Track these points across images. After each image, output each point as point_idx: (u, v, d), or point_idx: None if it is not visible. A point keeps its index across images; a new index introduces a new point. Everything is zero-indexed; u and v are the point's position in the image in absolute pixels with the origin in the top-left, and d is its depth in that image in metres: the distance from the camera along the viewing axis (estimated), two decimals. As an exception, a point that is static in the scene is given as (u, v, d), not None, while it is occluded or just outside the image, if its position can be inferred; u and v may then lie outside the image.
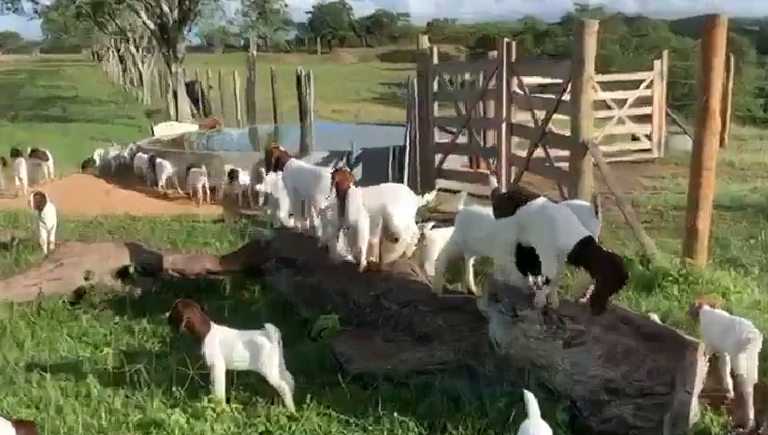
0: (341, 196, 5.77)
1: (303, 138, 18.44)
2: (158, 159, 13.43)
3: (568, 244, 4.01)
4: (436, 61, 12.01)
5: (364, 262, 5.83)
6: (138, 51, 36.54)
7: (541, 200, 4.17)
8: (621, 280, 4.03)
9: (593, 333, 4.17)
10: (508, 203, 4.30)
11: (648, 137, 15.00)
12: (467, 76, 14.96)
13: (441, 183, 11.94)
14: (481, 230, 4.88)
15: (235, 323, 5.44)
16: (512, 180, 10.46)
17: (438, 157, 12.08)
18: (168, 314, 5.00)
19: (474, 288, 5.32)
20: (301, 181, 6.64)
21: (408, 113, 12.86)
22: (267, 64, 29.53)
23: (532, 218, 4.12)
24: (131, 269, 7.12)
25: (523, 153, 10.38)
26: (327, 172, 6.35)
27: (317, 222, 6.62)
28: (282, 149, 7.06)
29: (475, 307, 4.79)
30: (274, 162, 6.86)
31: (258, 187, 9.62)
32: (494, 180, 5.23)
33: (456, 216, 5.24)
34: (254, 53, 23.21)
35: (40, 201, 8.90)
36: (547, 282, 4.18)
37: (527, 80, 10.78)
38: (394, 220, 5.52)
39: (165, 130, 18.70)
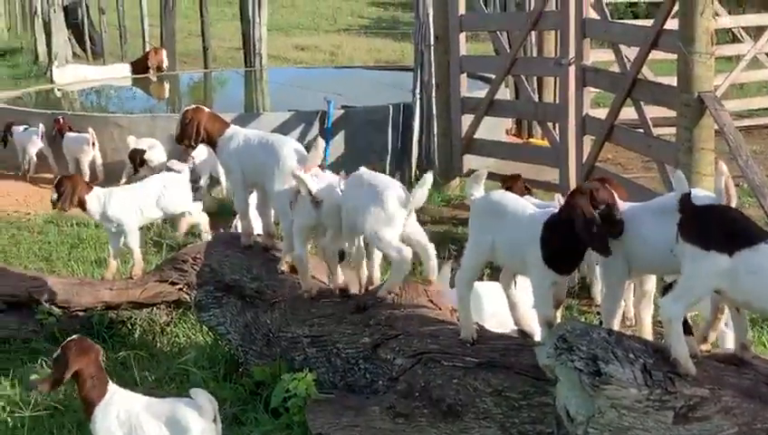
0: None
1: (250, 92, 18.48)
2: (17, 127, 13.61)
3: None
4: (463, -33, 12.04)
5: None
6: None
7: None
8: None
9: (722, 400, 4.17)
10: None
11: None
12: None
13: (471, 161, 11.98)
14: (514, 229, 4.90)
15: (148, 387, 5.44)
16: (584, 160, 10.47)
17: (467, 120, 12.10)
18: (54, 355, 5.07)
19: (529, 328, 5.31)
20: (249, 160, 6.62)
21: (418, 51, 12.87)
22: (193, -25, 29.68)
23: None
24: (-16, 303, 7.12)
25: (602, 114, 10.38)
26: (291, 144, 6.35)
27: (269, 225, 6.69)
28: (207, 110, 7.03)
29: (533, 360, 4.77)
30: (198, 132, 6.81)
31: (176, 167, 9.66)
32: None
33: (472, 206, 5.25)
34: (173, -46, 23.16)
35: None
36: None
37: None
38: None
39: (67, 76, 18.80)
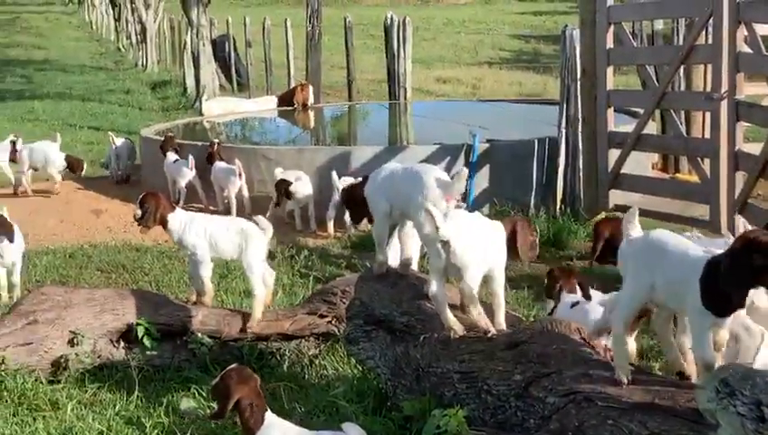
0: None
1: (395, 124, 18.59)
2: (171, 156, 14.01)
3: None
4: (611, 0, 11.95)
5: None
6: (140, -10, 37.65)
7: None
8: None
9: None
10: None
11: None
12: (660, 25, 14.79)
13: (617, 196, 11.85)
14: (675, 269, 4.81)
15: (297, 418, 5.50)
16: (736, 196, 10.26)
17: (613, 155, 11.98)
18: (213, 383, 5.22)
19: (687, 369, 5.21)
20: (394, 190, 6.67)
21: (564, 85, 12.80)
22: (337, 10, 30.06)
23: None
24: (140, 330, 7.30)
25: (757, 149, 10.18)
26: (435, 173, 6.38)
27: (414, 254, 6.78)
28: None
29: (689, 402, 4.68)
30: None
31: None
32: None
33: (628, 244, 5.17)
34: (319, -9, 23.49)
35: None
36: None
37: (763, 29, 10.59)
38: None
39: (216, 108, 19.38)
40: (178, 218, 7.83)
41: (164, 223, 7.83)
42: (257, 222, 7.67)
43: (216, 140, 14.02)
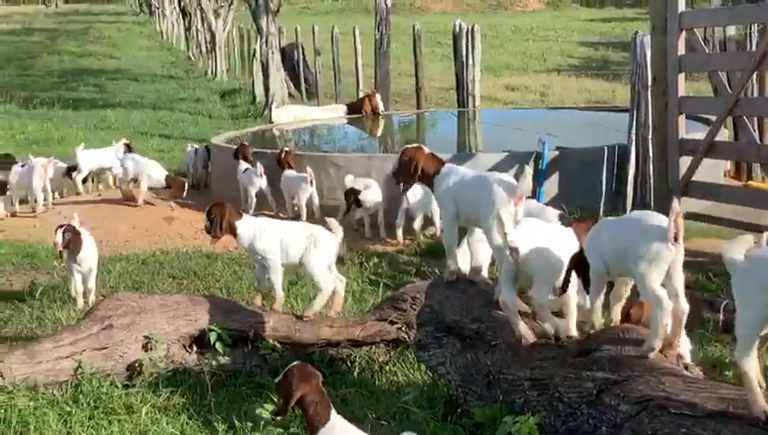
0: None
1: (463, 131, 18.58)
2: (243, 164, 14.13)
3: None
4: (682, 6, 11.85)
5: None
6: (210, -1, 38.02)
7: None
8: None
9: None
10: None
11: None
12: (732, 31, 14.65)
13: (688, 204, 11.75)
14: None
15: (368, 424, 5.53)
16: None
17: (684, 162, 11.88)
18: (276, 380, 5.29)
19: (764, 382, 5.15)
20: (464, 197, 6.68)
21: (635, 92, 12.73)
22: (405, 18, 30.13)
23: None
24: (213, 336, 7.41)
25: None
26: (504, 179, 6.38)
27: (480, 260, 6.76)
28: (426, 149, 7.15)
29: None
30: (416, 170, 6.93)
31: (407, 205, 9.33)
32: None
33: (745, 265, 5.02)
34: (388, -1, 23.53)
35: (72, 240, 9.42)
36: None
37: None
38: None
39: (286, 116, 19.57)
40: (247, 225, 7.90)
41: (233, 231, 7.89)
42: (328, 223, 7.73)
43: (286, 148, 14.12)
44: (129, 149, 15.59)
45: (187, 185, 14.97)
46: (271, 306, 7.91)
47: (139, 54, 51.50)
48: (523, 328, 6.03)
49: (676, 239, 5.31)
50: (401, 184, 7.20)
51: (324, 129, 19.08)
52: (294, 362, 5.36)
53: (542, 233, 6.02)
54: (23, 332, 8.89)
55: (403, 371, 7.40)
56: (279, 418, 5.34)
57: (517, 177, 6.33)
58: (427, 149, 7.06)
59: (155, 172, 14.72)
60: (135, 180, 14.94)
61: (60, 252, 9.68)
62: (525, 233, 5.88)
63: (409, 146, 7.10)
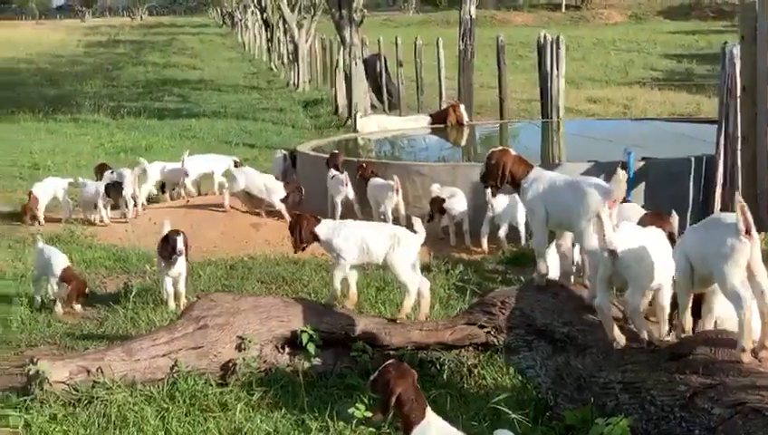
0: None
1: (547, 142, 18.53)
2: (332, 172, 14.16)
3: None
4: (774, 16, 11.78)
5: None
6: (293, 11, 38.22)
7: None
8: None
9: None
10: None
11: None
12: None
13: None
14: None
15: (459, 424, 5.60)
16: None
17: (774, 175, 11.81)
18: (371, 378, 5.41)
19: None
20: (555, 201, 6.74)
21: (723, 103, 12.63)
22: (485, 30, 30.14)
23: None
24: (305, 337, 7.53)
25: None
26: (597, 183, 6.42)
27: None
28: (513, 153, 7.22)
29: None
30: (504, 173, 7.01)
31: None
32: None
33: None
34: (473, 10, 23.50)
35: (176, 245, 9.61)
36: None
37: None
38: None
39: (370, 126, 19.74)
40: (326, 226, 8.04)
41: (316, 237, 8.04)
42: (414, 223, 7.81)
43: (363, 160, 14.10)
44: (236, 166, 15.76)
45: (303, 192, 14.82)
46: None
47: (222, 65, 52.17)
48: (616, 332, 6.06)
49: (748, 232, 5.34)
50: (489, 187, 7.29)
51: (409, 138, 19.12)
52: (390, 361, 5.45)
53: (640, 237, 6.04)
54: (118, 331, 9.14)
55: (492, 374, 7.43)
56: (380, 416, 5.38)
57: (610, 181, 6.38)
58: (514, 153, 7.14)
59: (273, 186, 14.68)
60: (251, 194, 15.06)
61: (164, 256, 9.80)
62: (624, 236, 5.91)
63: (496, 149, 7.19)
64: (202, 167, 16.25)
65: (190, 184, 15.99)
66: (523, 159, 7.15)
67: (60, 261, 10.13)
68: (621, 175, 6.30)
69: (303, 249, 8.22)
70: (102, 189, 14.37)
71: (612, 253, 5.84)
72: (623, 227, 6.07)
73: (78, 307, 9.99)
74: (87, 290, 10.22)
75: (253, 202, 14.98)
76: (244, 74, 46.79)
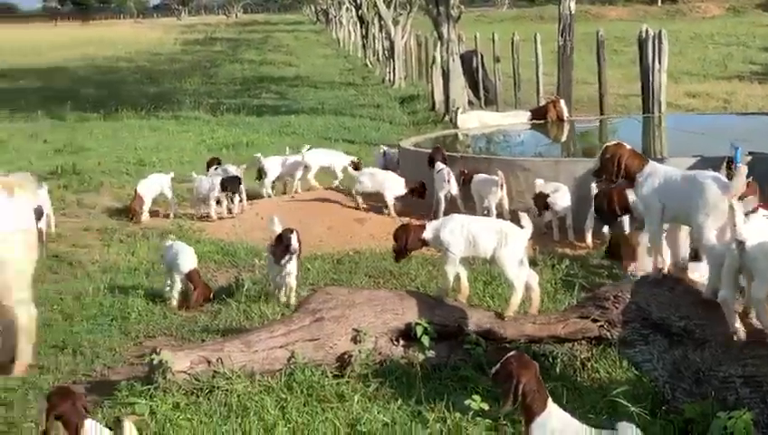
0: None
1: (648, 137, 18.37)
2: (439, 167, 14.15)
3: None
4: None
5: None
6: (389, 7, 38.31)
7: None
8: None
9: None
10: None
11: None
12: None
13: None
14: None
15: (576, 416, 5.64)
16: None
17: None
18: (493, 370, 5.46)
19: None
20: (672, 194, 6.74)
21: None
22: (581, 26, 29.89)
23: None
24: (419, 330, 7.64)
25: None
26: (715, 176, 6.41)
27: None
28: (628, 147, 7.25)
29: None
30: (619, 167, 7.03)
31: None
32: None
33: None
34: (572, 5, 23.34)
35: (290, 243, 9.72)
36: None
37: None
38: None
39: (471, 121, 19.79)
40: (431, 227, 8.11)
41: (424, 242, 8.17)
42: (521, 218, 7.84)
43: (464, 169, 14.13)
44: (356, 167, 15.79)
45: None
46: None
47: (317, 62, 52.51)
48: (739, 326, 6.05)
49: None
50: (603, 181, 7.31)
51: (509, 134, 19.04)
52: (512, 353, 5.52)
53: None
54: (232, 324, 9.35)
55: (605, 367, 7.45)
56: (508, 406, 5.43)
57: (729, 175, 6.38)
58: (628, 147, 7.17)
59: (394, 186, 14.82)
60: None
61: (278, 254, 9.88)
62: (753, 228, 5.90)
63: (611, 143, 7.22)
64: (323, 160, 16.41)
65: (312, 177, 16.19)
66: (638, 153, 7.17)
67: (188, 260, 10.31)
68: (743, 169, 6.28)
69: (404, 257, 8.44)
70: (218, 184, 14.60)
71: (741, 244, 5.82)
72: (753, 219, 6.06)
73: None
74: (212, 295, 10.35)
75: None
76: (340, 71, 47.02)
